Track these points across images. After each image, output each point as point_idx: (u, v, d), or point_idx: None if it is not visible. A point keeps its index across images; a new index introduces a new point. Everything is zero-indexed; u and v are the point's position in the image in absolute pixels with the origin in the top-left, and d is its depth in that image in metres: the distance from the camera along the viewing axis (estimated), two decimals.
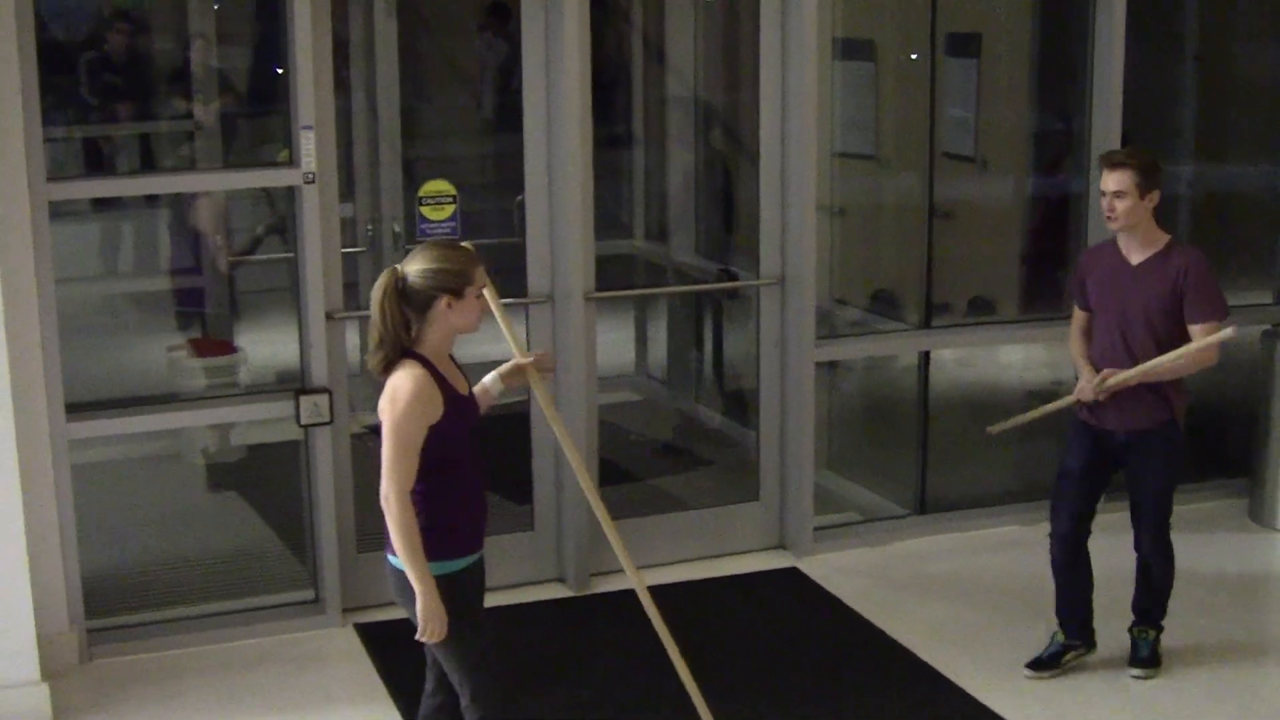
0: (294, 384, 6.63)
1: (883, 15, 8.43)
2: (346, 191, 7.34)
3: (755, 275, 7.42)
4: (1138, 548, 6.08)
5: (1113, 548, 6.20)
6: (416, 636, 4.48)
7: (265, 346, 7.63)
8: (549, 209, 6.91)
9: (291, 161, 6.40)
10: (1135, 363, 5.77)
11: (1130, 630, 6.21)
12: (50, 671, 6.02)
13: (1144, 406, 5.81)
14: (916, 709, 5.97)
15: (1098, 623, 6.16)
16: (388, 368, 4.45)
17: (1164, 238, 5.82)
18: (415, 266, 4.43)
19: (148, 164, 7.58)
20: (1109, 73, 7.57)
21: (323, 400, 6.51)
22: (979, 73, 8.25)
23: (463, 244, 4.69)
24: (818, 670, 6.28)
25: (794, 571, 7.29)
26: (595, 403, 7.11)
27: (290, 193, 6.47)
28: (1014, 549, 7.57)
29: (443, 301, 4.41)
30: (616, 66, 8.50)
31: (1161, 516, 6.01)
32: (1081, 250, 7.47)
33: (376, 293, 4.43)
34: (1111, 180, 5.68)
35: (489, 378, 4.76)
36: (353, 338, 6.73)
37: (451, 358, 4.59)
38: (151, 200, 7.51)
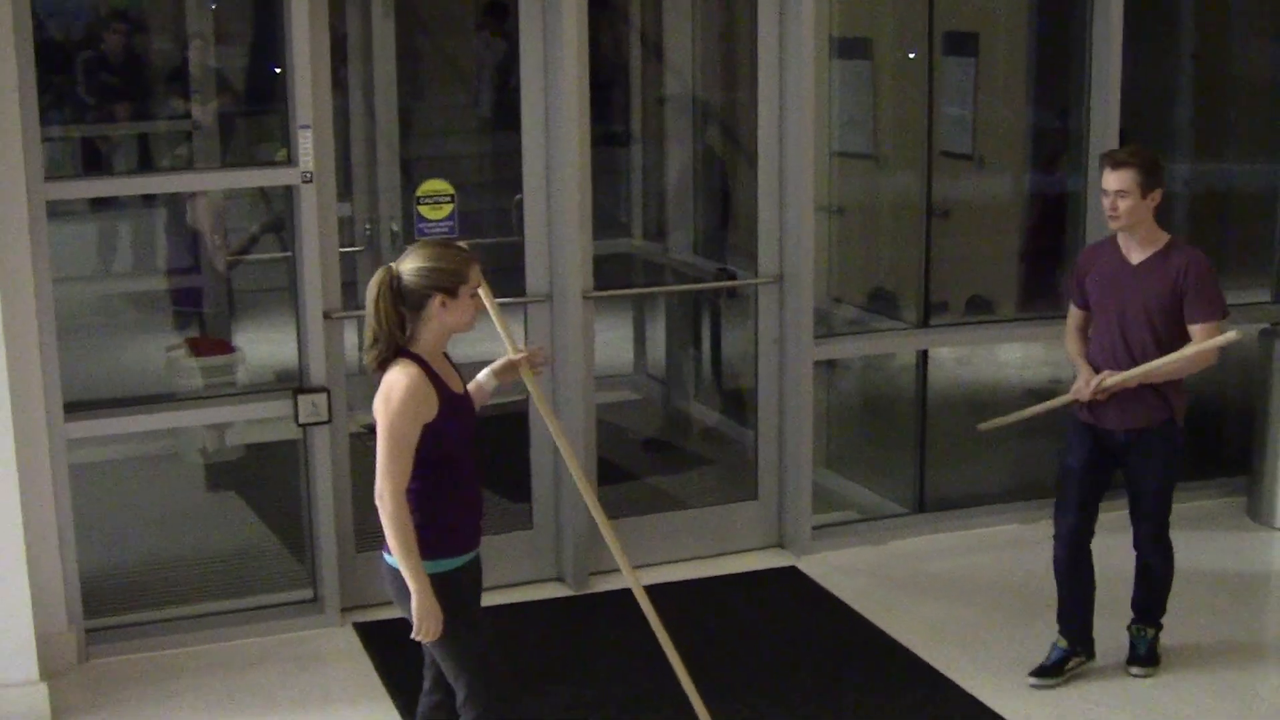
0: (292, 383, 6.63)
1: (880, 14, 8.44)
2: (344, 191, 7.34)
3: (753, 274, 7.42)
4: (1137, 547, 6.08)
5: (1112, 547, 6.19)
6: (412, 635, 4.48)
7: (263, 346, 7.63)
8: (547, 208, 6.91)
9: (289, 161, 6.40)
10: (1135, 362, 5.76)
11: (1129, 629, 6.21)
12: (49, 671, 6.01)
13: (1144, 406, 5.80)
14: (915, 708, 5.97)
15: (1097, 620, 6.14)
16: (382, 365, 4.46)
17: (1164, 237, 5.81)
18: (410, 265, 4.43)
19: (145, 164, 7.58)
20: (1106, 71, 7.57)
21: (321, 399, 6.50)
22: (976, 71, 8.25)
23: (458, 243, 4.69)
24: (817, 669, 6.28)
25: (792, 570, 7.29)
26: (593, 402, 7.11)
27: (287, 192, 6.47)
28: (1013, 547, 7.57)
29: (436, 300, 4.41)
30: (614, 65, 8.51)
31: (1161, 515, 6.01)
32: (1079, 248, 7.51)
33: (371, 290, 4.44)
34: (1114, 179, 5.67)
35: (483, 374, 4.77)
36: (351, 337, 6.73)
37: (446, 356, 4.60)
38: (149, 200, 7.51)
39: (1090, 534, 6.01)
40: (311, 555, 6.74)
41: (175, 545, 7.26)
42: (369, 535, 6.53)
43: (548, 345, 6.94)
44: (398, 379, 4.39)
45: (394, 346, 4.45)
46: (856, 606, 6.85)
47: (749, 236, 7.46)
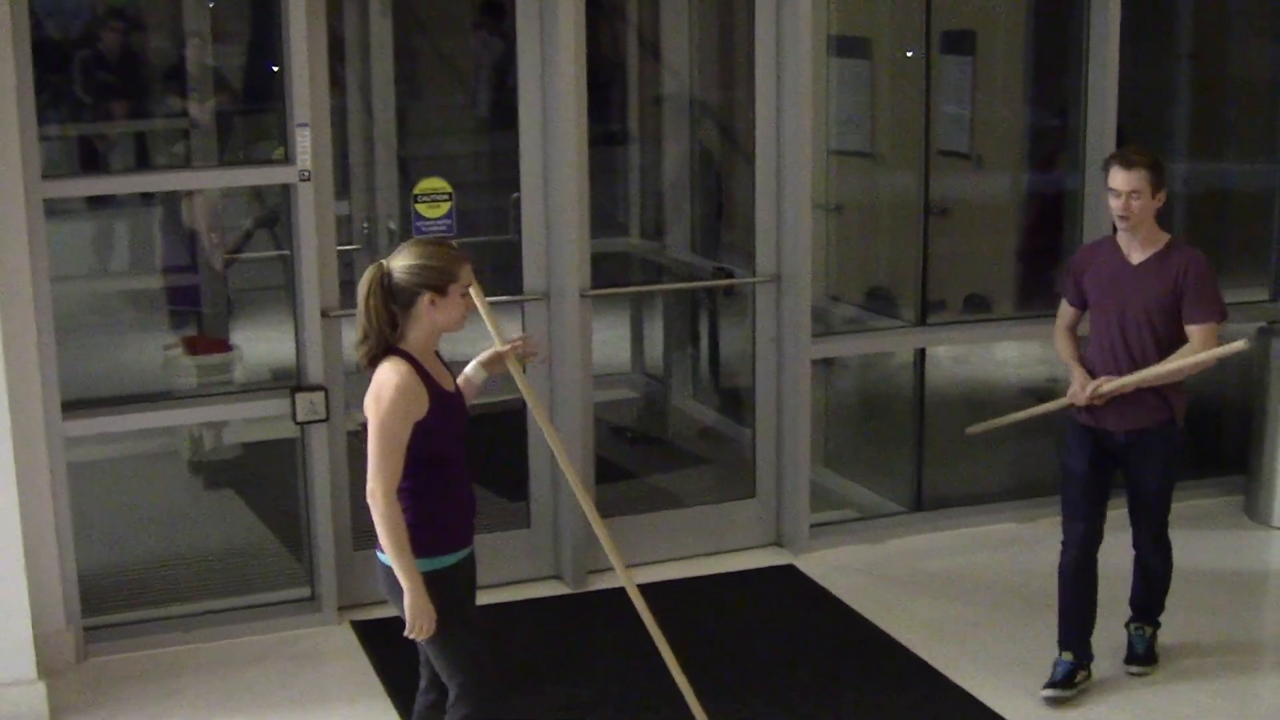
0: (289, 381, 6.63)
1: (878, 13, 8.44)
2: (342, 189, 7.34)
3: (751, 273, 7.42)
4: (1136, 546, 6.06)
5: (1109, 547, 6.18)
6: (405, 633, 4.48)
7: (261, 344, 7.63)
8: (544, 207, 6.91)
9: (287, 159, 6.40)
10: (1134, 363, 5.74)
11: (1127, 628, 6.21)
12: (47, 669, 6.02)
13: (1144, 407, 5.78)
14: (913, 706, 5.97)
15: (1096, 619, 6.13)
16: (373, 361, 4.47)
17: (1164, 237, 5.80)
18: (400, 262, 4.44)
19: (143, 162, 7.57)
20: (1104, 70, 7.58)
21: (318, 398, 6.50)
22: (974, 70, 8.26)
23: (450, 242, 4.70)
24: (815, 668, 6.28)
25: (790, 569, 7.29)
26: (591, 400, 7.11)
27: (285, 190, 6.46)
28: (1011, 546, 7.58)
29: (426, 298, 4.42)
30: (611, 64, 8.50)
31: (1162, 515, 6.00)
32: (1076, 247, 7.51)
33: (362, 287, 4.45)
34: (1127, 179, 5.64)
35: (470, 366, 4.77)
36: (348, 335, 6.71)
37: (438, 354, 4.60)
38: (147, 198, 7.50)
39: (1099, 539, 5.94)
40: (309, 553, 6.74)
41: (173, 544, 7.26)
42: (366, 534, 6.48)
43: (546, 344, 6.95)
44: (388, 377, 4.39)
45: (384, 344, 4.45)
46: (854, 605, 6.85)
47: (746, 235, 7.46)
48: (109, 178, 7.36)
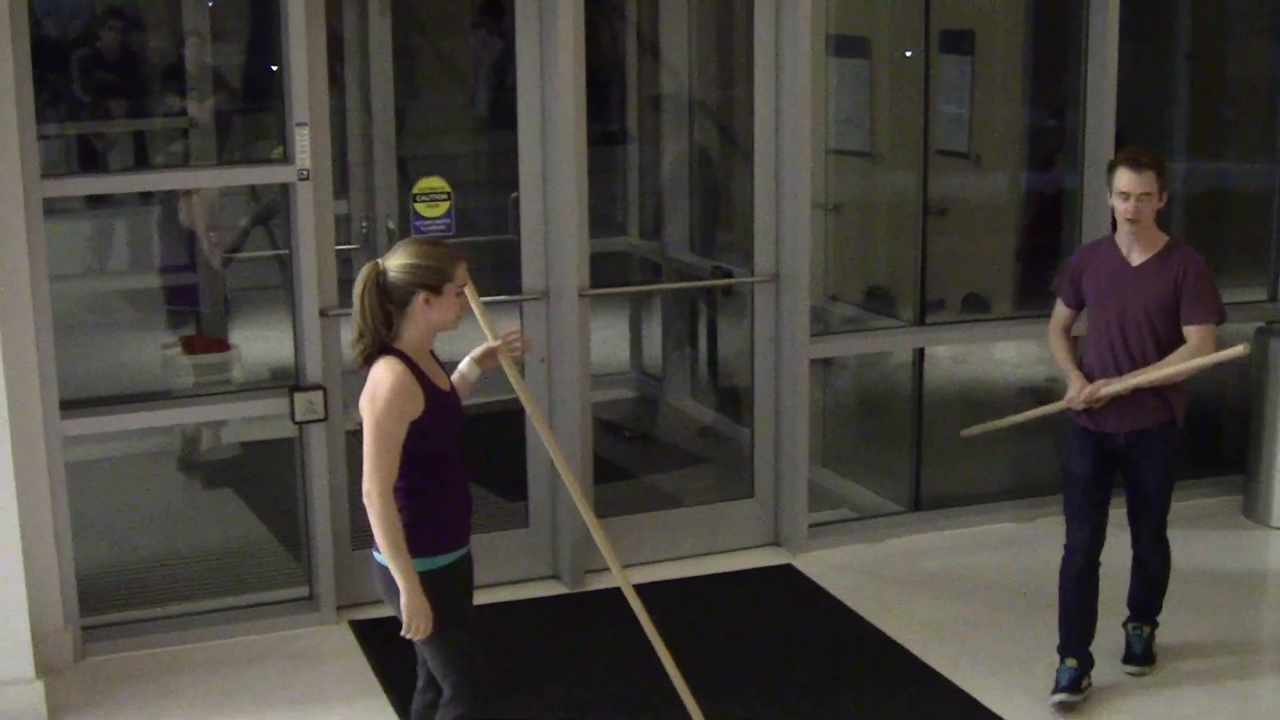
0: (288, 381, 6.63)
1: (877, 12, 8.44)
2: (341, 188, 7.34)
3: (749, 272, 7.42)
4: (1136, 546, 6.04)
5: (1106, 547, 6.17)
6: (401, 633, 4.48)
7: (259, 344, 7.63)
8: (543, 206, 6.91)
9: (286, 158, 6.40)
10: (1134, 363, 5.73)
11: (1125, 627, 6.20)
12: (45, 669, 6.02)
13: (1145, 408, 5.76)
14: (911, 706, 5.97)
15: None
16: (368, 360, 4.47)
17: (1163, 238, 5.79)
18: (395, 261, 4.44)
19: (142, 161, 7.57)
20: (1103, 70, 7.58)
21: (317, 397, 6.50)
22: (973, 69, 8.26)
23: (445, 241, 4.70)
24: (812, 667, 6.28)
25: (788, 568, 7.29)
26: (589, 400, 7.11)
27: (283, 189, 6.46)
28: (1009, 546, 7.58)
29: (420, 297, 4.42)
30: (611, 64, 8.50)
31: (1162, 515, 5.99)
32: (1075, 247, 7.50)
33: (357, 286, 4.46)
34: (1139, 182, 5.61)
35: (464, 363, 4.78)
36: (347, 335, 6.70)
37: (433, 354, 4.60)
38: (146, 198, 7.50)
39: (1103, 542, 5.90)
40: (307, 553, 6.74)
41: (171, 543, 7.26)
42: (364, 533, 6.47)
43: (544, 343, 6.95)
44: (383, 377, 4.39)
45: (379, 343, 4.46)
46: (852, 605, 6.85)
47: (745, 234, 7.46)
48: (108, 177, 7.35)
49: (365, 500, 4.40)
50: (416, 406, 4.41)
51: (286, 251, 6.58)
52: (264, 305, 7.80)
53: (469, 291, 4.58)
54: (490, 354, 4.78)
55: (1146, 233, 5.72)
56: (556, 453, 5.06)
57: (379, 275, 4.44)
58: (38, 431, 6.11)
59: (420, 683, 4.82)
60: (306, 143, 6.34)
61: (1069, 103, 7.92)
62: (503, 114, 7.38)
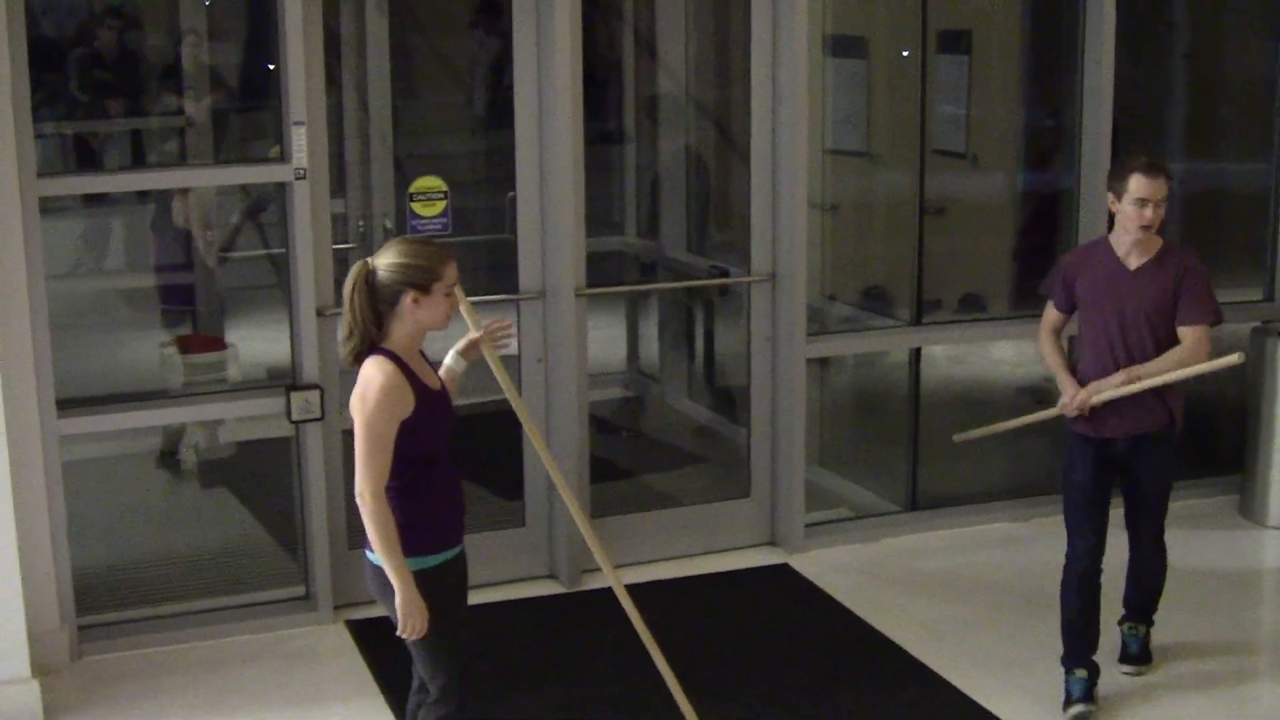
0: (285, 380, 6.63)
1: (874, 12, 8.45)
2: (338, 187, 7.34)
3: (746, 271, 7.42)
4: (1134, 548, 6.02)
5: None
6: (397, 633, 4.47)
7: (256, 343, 7.62)
8: (540, 205, 6.91)
9: (283, 157, 6.40)
10: (1134, 365, 5.72)
11: (1121, 627, 6.20)
12: (41, 668, 6.01)
13: (1146, 412, 5.74)
14: (908, 706, 5.97)
15: None
16: (358, 358, 4.47)
17: (1158, 241, 5.77)
18: (384, 260, 4.44)
19: (139, 160, 7.57)
20: (1100, 70, 7.58)
21: (314, 396, 6.50)
22: (970, 69, 8.26)
23: (435, 241, 4.69)
24: (809, 667, 6.28)
25: (785, 568, 7.29)
26: (586, 399, 7.11)
27: (279, 187, 6.46)
28: (1006, 545, 7.58)
29: (409, 297, 4.41)
30: (608, 63, 8.50)
31: (1161, 517, 5.97)
32: (1072, 247, 7.51)
33: (347, 285, 4.46)
34: (1155, 188, 5.57)
35: (449, 357, 4.75)
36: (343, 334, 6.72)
37: (422, 353, 4.59)
38: (142, 196, 7.50)
39: (1104, 549, 5.85)
40: (304, 552, 6.74)
41: (168, 542, 7.26)
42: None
43: (541, 343, 6.95)
44: (373, 377, 4.39)
45: (369, 341, 4.45)
46: (849, 604, 6.85)
47: (742, 234, 7.46)
48: (105, 175, 7.35)
49: (358, 501, 4.40)
50: (406, 406, 4.40)
51: (282, 250, 6.58)
52: (261, 304, 7.80)
53: (458, 291, 4.56)
54: (473, 345, 4.76)
55: (1149, 237, 5.71)
56: (541, 446, 5.02)
57: (368, 274, 4.44)
58: (34, 430, 6.11)
59: (416, 682, 4.81)
60: (303, 142, 6.34)
61: (1066, 102, 7.92)
62: (500, 113, 7.37)
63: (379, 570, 4.47)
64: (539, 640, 6.57)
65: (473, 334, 4.72)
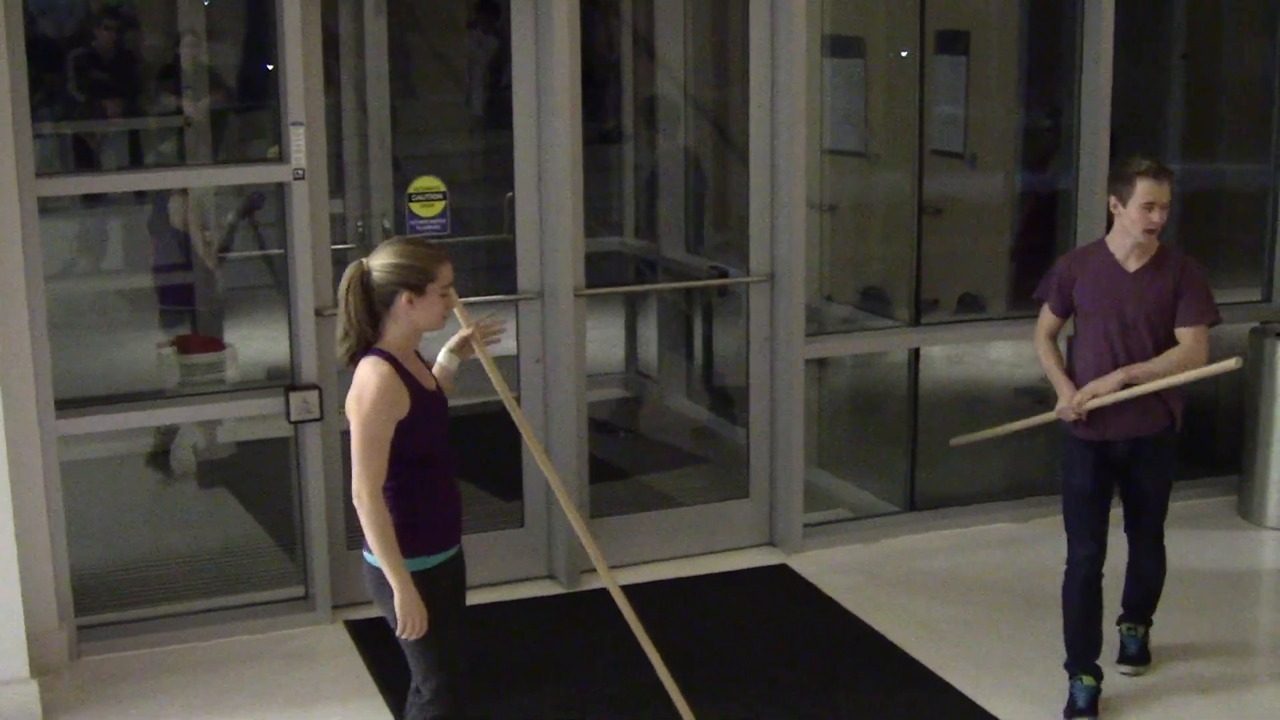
0: (284, 380, 6.63)
1: (872, 12, 8.45)
2: (336, 188, 7.34)
3: (745, 272, 7.42)
4: (1134, 549, 6.02)
5: None
6: (397, 633, 4.47)
7: (255, 343, 7.62)
8: (539, 205, 6.91)
9: (281, 158, 6.40)
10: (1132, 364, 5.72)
11: (1119, 628, 6.20)
12: (39, 668, 6.01)
13: (1147, 414, 5.73)
14: (907, 706, 5.97)
15: None
16: (353, 359, 4.47)
17: (1156, 243, 5.78)
18: (379, 261, 4.44)
19: (137, 160, 7.57)
20: (1098, 70, 7.58)
21: (312, 397, 6.50)
22: (968, 70, 8.26)
23: (430, 241, 4.69)
24: (808, 668, 6.28)
25: (784, 568, 7.29)
26: (585, 400, 7.11)
27: (279, 188, 6.46)
28: (1004, 546, 7.58)
29: (404, 297, 4.41)
30: (606, 63, 8.50)
31: (1161, 519, 5.96)
32: (1070, 247, 7.51)
33: (342, 285, 4.46)
34: (1163, 192, 5.57)
35: (441, 355, 4.75)
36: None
37: (417, 354, 4.59)
38: (140, 197, 7.49)
39: (1105, 555, 5.84)
40: (303, 553, 6.73)
41: (166, 542, 7.25)
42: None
43: (540, 343, 6.95)
44: (369, 378, 4.39)
45: (364, 341, 4.45)
46: (848, 605, 6.85)
47: (740, 234, 7.46)
48: (103, 176, 7.34)
49: (355, 502, 4.40)
50: (403, 407, 4.40)
51: (280, 250, 6.58)
52: (259, 304, 7.80)
53: (450, 291, 4.55)
54: (465, 343, 4.75)
55: (1151, 240, 5.70)
56: (534, 443, 4.99)
57: (363, 275, 4.44)
58: (33, 431, 6.11)
59: (414, 683, 4.81)
60: (302, 142, 6.34)
61: (1064, 103, 7.92)
62: (498, 113, 7.38)
63: (376, 571, 4.47)
64: (538, 641, 6.57)
65: (464, 331, 4.70)
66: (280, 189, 6.45)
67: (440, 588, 4.52)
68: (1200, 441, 8.27)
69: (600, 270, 7.65)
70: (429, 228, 6.75)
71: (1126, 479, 5.88)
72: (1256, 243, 8.39)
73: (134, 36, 7.65)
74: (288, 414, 6.49)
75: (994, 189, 8.73)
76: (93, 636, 6.43)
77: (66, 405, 6.28)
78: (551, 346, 6.95)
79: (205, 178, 7.26)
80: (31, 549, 6.07)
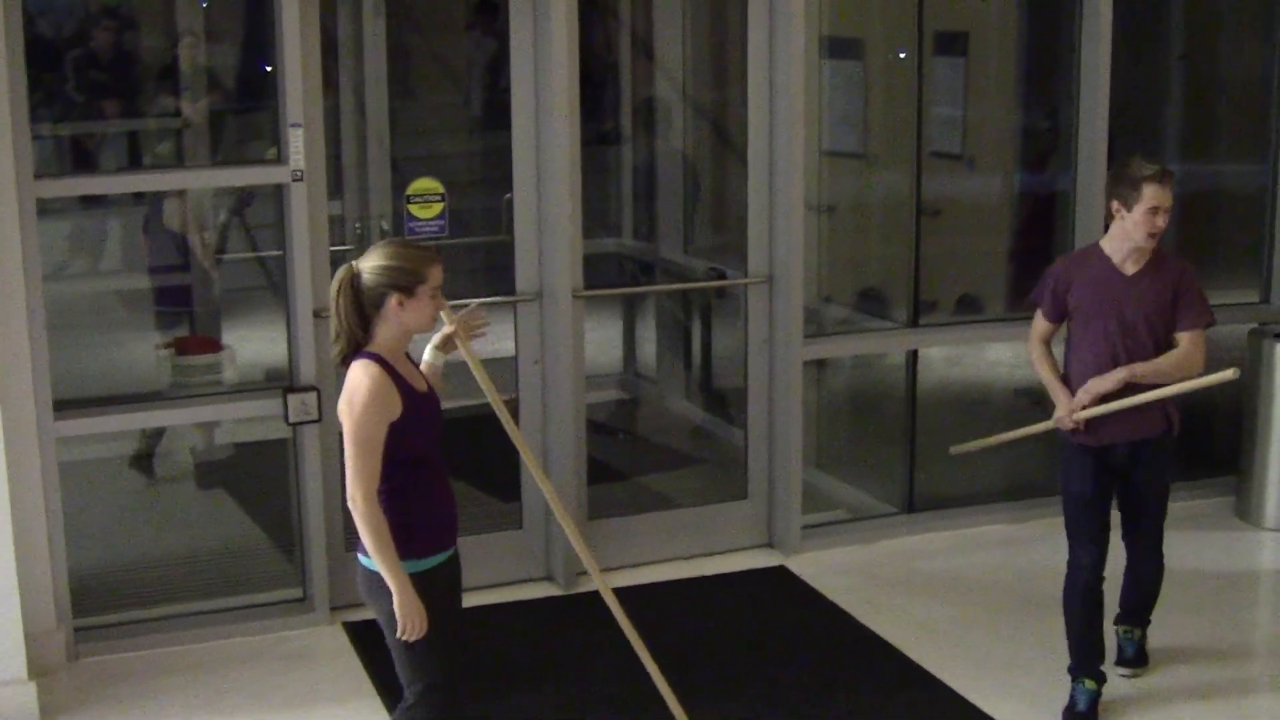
0: (282, 382, 6.63)
1: (870, 14, 8.45)
2: (334, 189, 7.33)
3: (743, 273, 7.42)
4: (1133, 552, 6.01)
5: None
6: (397, 634, 4.45)
7: (253, 344, 7.62)
8: (537, 207, 6.91)
9: (280, 159, 6.40)
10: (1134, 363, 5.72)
11: (1117, 630, 6.20)
12: (37, 670, 6.01)
13: (1147, 418, 5.73)
14: (906, 707, 5.97)
15: None
16: (345, 361, 4.48)
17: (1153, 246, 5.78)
18: (368, 263, 4.45)
19: (135, 161, 7.57)
20: (1096, 71, 7.58)
21: (310, 398, 6.50)
22: (966, 71, 8.27)
23: (420, 243, 4.68)
24: (806, 669, 6.28)
25: (782, 570, 7.29)
26: (583, 401, 7.11)
27: (277, 189, 6.46)
28: (1002, 547, 7.58)
29: (394, 299, 4.41)
30: (605, 64, 8.51)
31: (1161, 522, 5.95)
32: (1068, 248, 7.51)
33: (332, 288, 4.47)
34: (1167, 196, 5.59)
35: (427, 353, 4.74)
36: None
37: (408, 355, 4.58)
38: (139, 198, 7.50)
39: (1106, 558, 5.82)
40: (301, 554, 6.73)
41: (165, 544, 7.25)
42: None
43: (538, 345, 6.95)
44: (360, 381, 4.38)
45: (355, 343, 4.46)
46: (846, 606, 6.85)
47: (738, 236, 7.46)
48: (101, 177, 7.34)
49: (349, 505, 4.39)
50: (394, 409, 4.40)
51: (277, 252, 6.58)
52: (258, 306, 7.80)
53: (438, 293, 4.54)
54: (448, 339, 4.74)
55: (1151, 243, 5.70)
56: (519, 439, 4.98)
57: (353, 278, 4.44)
58: (31, 432, 6.11)
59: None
60: (300, 143, 6.34)
61: (1062, 104, 7.92)
62: (497, 114, 7.37)
63: (369, 573, 4.47)
64: (536, 642, 6.57)
65: (447, 328, 4.69)
66: (279, 190, 6.45)
67: (432, 591, 4.51)
68: (1198, 442, 8.27)
69: (598, 272, 7.65)
70: (427, 229, 6.75)
71: (1126, 482, 5.88)
72: (1254, 244, 8.39)
73: (132, 37, 7.65)
74: (286, 415, 6.49)
75: (992, 190, 8.73)
76: (91, 638, 6.43)
77: (65, 406, 6.27)
78: (550, 348, 6.95)
79: (204, 179, 7.26)
80: (30, 550, 6.06)
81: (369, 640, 6.40)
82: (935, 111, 8.00)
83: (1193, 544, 7.52)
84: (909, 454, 7.87)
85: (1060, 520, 5.92)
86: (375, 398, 4.36)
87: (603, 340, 8.51)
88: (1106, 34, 7.55)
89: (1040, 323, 5.94)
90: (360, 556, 4.51)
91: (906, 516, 7.84)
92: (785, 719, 5.85)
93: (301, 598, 6.76)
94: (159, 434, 7.51)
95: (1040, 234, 8.41)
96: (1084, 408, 5.70)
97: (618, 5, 8.54)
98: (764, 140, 7.24)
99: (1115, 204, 5.68)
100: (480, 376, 4.72)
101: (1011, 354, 8.65)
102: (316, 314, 6.50)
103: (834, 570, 7.26)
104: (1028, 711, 5.88)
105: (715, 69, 8.45)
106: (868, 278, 8.53)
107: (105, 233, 8.00)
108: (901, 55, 8.02)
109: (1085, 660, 5.84)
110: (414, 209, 6.78)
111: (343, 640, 6.54)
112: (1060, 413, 5.77)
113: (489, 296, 6.96)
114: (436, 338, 4.74)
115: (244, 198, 7.37)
